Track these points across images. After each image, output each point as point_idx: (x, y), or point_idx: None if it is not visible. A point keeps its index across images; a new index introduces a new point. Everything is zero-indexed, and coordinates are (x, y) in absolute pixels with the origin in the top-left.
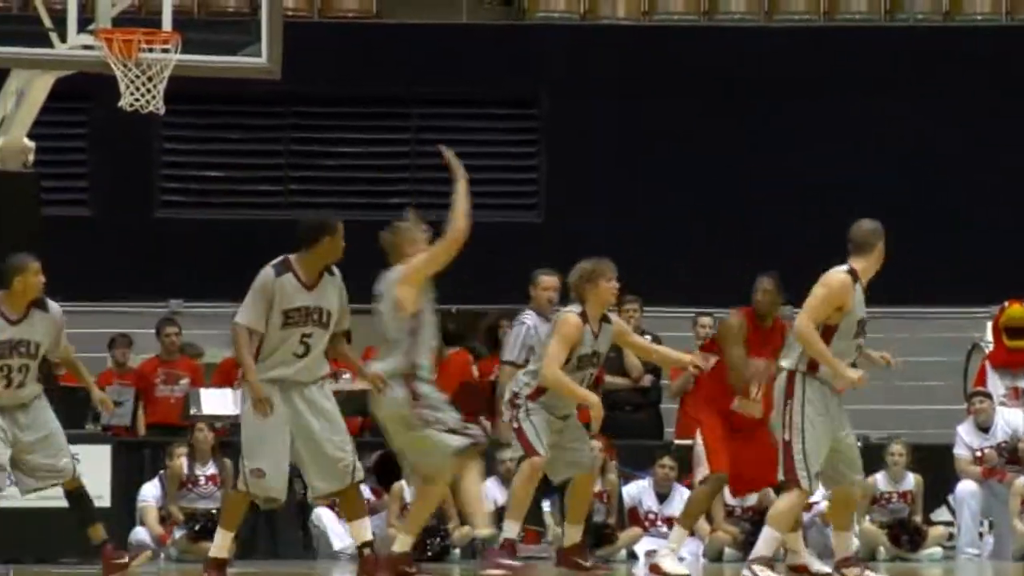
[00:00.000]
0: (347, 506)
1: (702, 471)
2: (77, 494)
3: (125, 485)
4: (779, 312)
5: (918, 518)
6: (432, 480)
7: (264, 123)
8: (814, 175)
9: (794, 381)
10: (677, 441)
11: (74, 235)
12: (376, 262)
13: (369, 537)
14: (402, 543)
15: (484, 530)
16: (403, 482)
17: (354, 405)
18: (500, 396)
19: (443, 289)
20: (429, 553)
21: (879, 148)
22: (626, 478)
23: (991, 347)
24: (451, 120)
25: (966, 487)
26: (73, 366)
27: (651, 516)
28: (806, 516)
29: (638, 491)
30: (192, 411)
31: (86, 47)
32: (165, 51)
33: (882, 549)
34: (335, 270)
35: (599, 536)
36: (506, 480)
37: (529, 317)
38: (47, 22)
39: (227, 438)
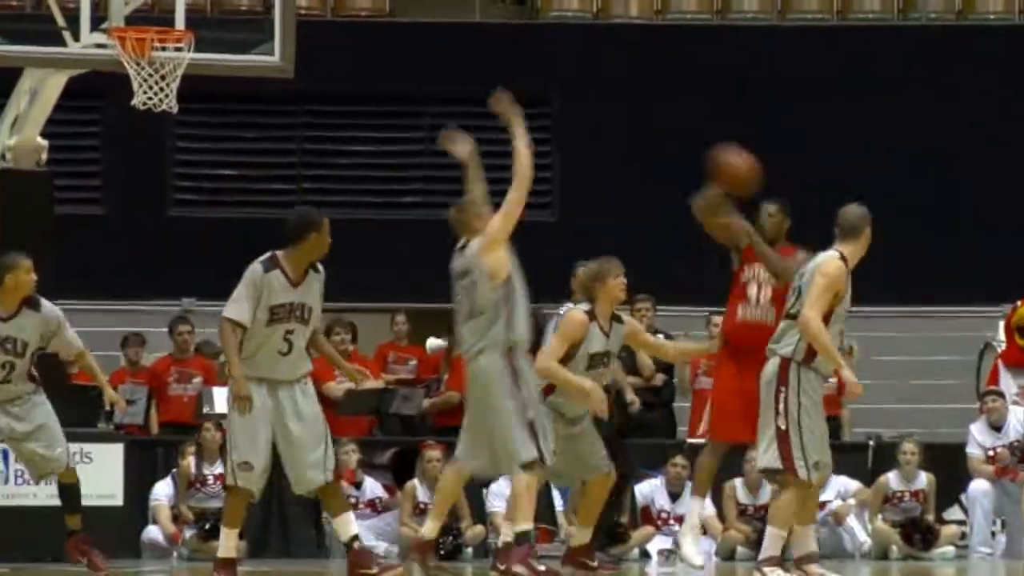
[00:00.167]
0: (329, 503)
1: (702, 427)
2: (71, 489)
3: (138, 484)
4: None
5: (930, 517)
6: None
7: (277, 122)
8: (825, 175)
9: (788, 369)
10: (690, 440)
11: (87, 233)
12: (389, 260)
13: (355, 531)
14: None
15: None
16: (415, 480)
17: (364, 403)
18: None
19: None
20: (442, 552)
21: (891, 148)
22: (639, 477)
23: (1003, 346)
24: (464, 119)
25: (978, 486)
26: (87, 366)
27: (663, 515)
28: (819, 515)
29: (651, 490)
30: (205, 410)
31: (99, 46)
32: (178, 49)
33: (894, 548)
34: (320, 267)
35: (612, 535)
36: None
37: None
38: (60, 21)
39: None
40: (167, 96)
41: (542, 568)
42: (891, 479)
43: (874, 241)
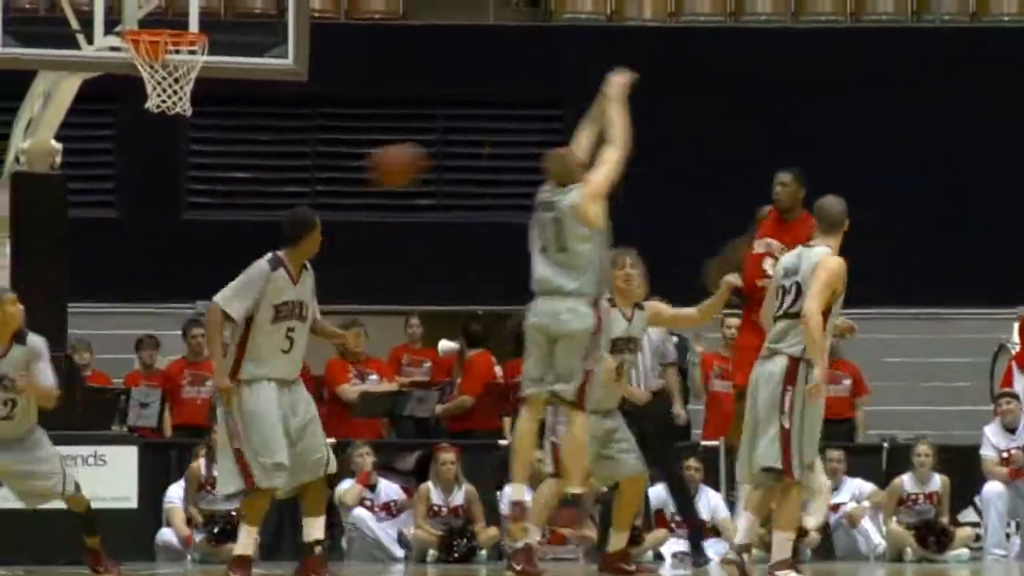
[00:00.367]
0: (309, 500)
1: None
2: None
3: (152, 487)
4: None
5: (945, 519)
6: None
7: (291, 124)
8: (835, 177)
9: (797, 369)
10: (704, 442)
11: (101, 237)
12: (403, 263)
13: (321, 535)
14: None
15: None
16: (429, 483)
17: (379, 406)
18: None
19: (468, 290)
20: (456, 555)
21: (901, 150)
22: (652, 479)
23: (1017, 348)
24: (477, 121)
25: (993, 488)
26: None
27: (677, 518)
28: (833, 517)
29: (664, 493)
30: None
31: (113, 49)
32: (192, 52)
33: (909, 550)
34: (308, 265)
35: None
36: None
37: None
38: (74, 24)
39: None
40: (181, 99)
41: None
42: (905, 481)
43: (884, 243)
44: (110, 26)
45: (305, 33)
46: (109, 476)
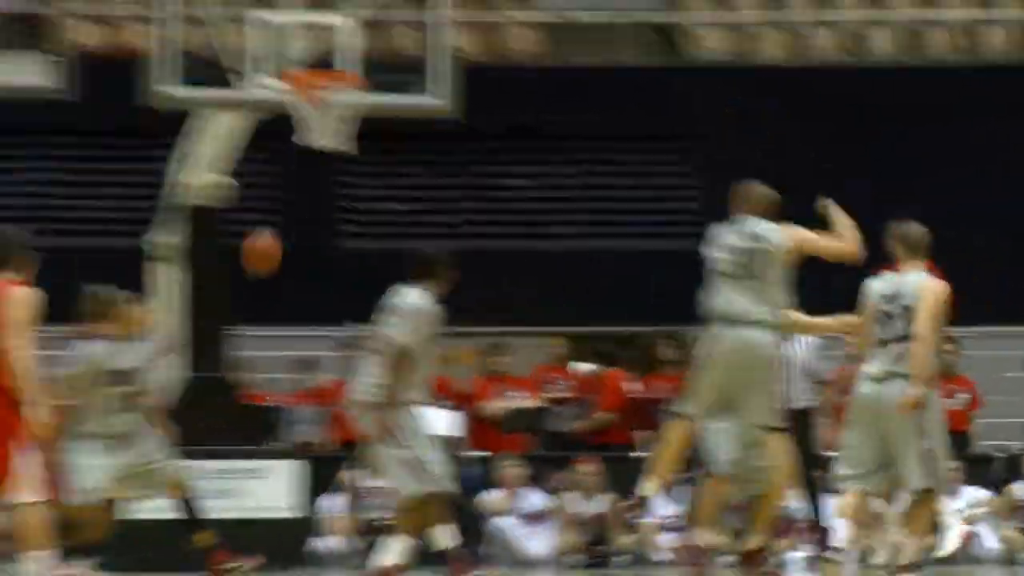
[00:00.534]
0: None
1: None
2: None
3: (310, 498)
4: None
5: None
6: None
7: (442, 159)
8: (943, 201)
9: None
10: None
11: None
12: (546, 287)
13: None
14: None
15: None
16: (572, 493)
17: (524, 421)
18: None
19: (604, 313)
20: (595, 560)
21: (1007, 175)
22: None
23: None
24: (614, 153)
25: None
26: None
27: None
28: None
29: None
30: None
31: (277, 90)
32: (350, 93)
33: (1023, 555)
34: None
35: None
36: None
37: None
38: (243, 66)
39: None
40: (340, 136)
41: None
42: (1018, 489)
43: (992, 265)
44: (275, 69)
45: (451, 74)
46: (268, 488)
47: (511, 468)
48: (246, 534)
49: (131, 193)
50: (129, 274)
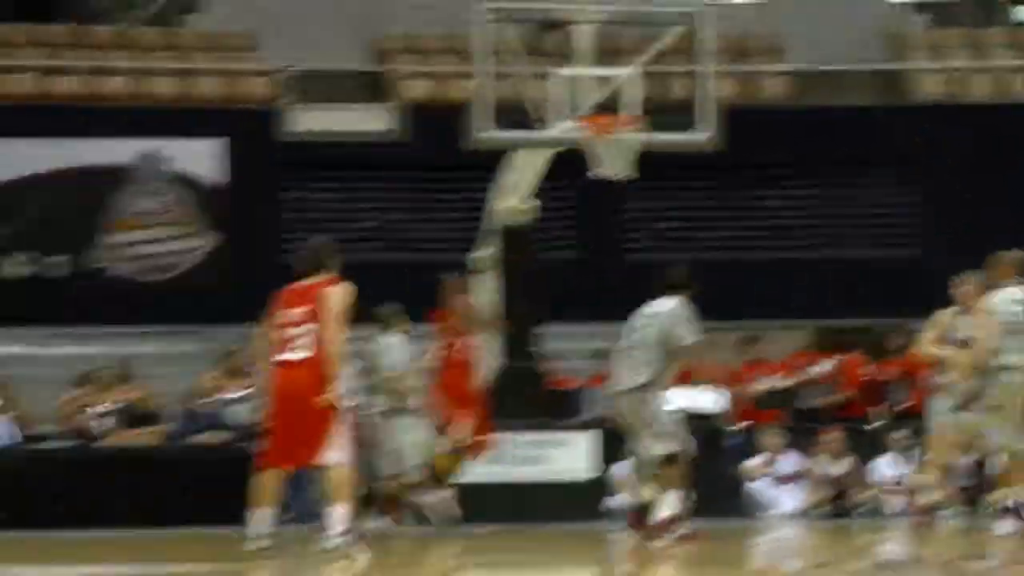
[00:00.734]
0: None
1: None
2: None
3: (603, 464)
4: None
5: None
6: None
7: (709, 185)
8: None
9: None
10: None
11: (565, 273)
12: (800, 287)
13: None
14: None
15: None
16: (819, 456)
17: (778, 398)
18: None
19: (841, 308)
20: (840, 513)
21: None
22: None
23: None
24: (851, 178)
25: None
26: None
27: None
28: None
29: None
30: None
31: (573, 131)
32: (632, 132)
33: None
34: None
35: None
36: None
37: None
38: (542, 112)
39: None
40: (624, 167)
41: None
42: None
43: None
44: (571, 113)
45: (713, 114)
46: (569, 456)
47: (770, 437)
48: (551, 494)
49: (456, 217)
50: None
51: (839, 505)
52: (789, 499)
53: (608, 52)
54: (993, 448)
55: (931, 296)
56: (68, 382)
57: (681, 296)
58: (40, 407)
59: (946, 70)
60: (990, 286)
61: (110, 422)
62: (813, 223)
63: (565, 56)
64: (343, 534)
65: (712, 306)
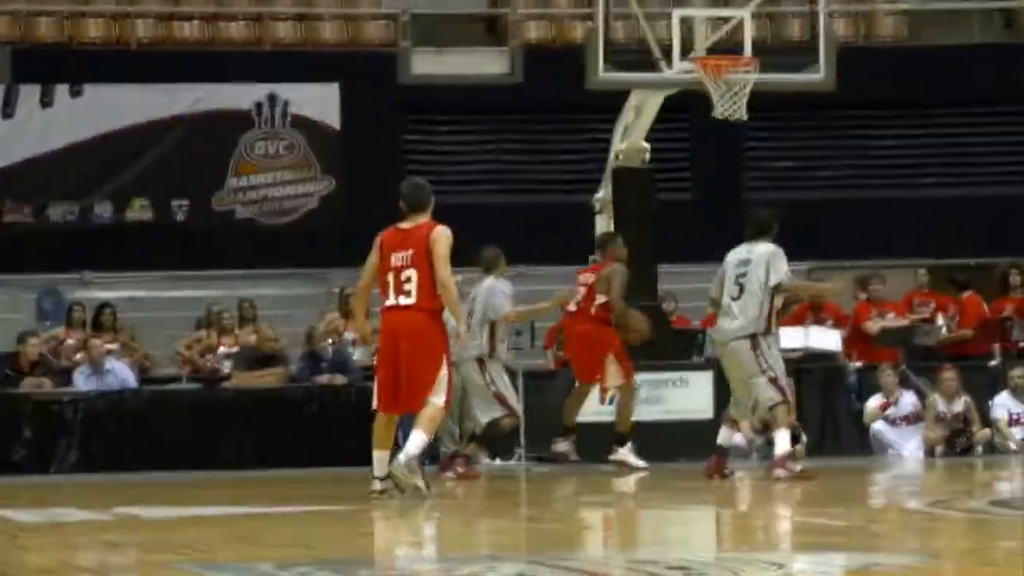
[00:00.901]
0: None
1: None
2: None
3: (724, 402)
4: None
5: None
6: None
7: (823, 124)
8: None
9: None
10: None
11: (680, 213)
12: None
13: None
14: None
15: None
16: (936, 396)
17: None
18: None
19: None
20: (958, 450)
21: None
22: None
23: None
24: (960, 117)
25: None
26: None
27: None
28: None
29: None
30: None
31: (687, 71)
32: (747, 72)
33: None
34: None
35: None
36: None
37: None
38: (657, 53)
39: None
40: (739, 108)
41: None
42: None
43: None
44: (685, 53)
45: (832, 55)
46: (690, 395)
47: (887, 376)
48: (672, 430)
49: (574, 159)
50: (565, 226)
51: (958, 443)
52: (908, 438)
53: None
54: None
55: None
56: (189, 325)
57: (768, 238)
58: (161, 350)
59: None
60: None
61: (231, 364)
62: (927, 162)
63: None
64: (413, 460)
65: (827, 245)
